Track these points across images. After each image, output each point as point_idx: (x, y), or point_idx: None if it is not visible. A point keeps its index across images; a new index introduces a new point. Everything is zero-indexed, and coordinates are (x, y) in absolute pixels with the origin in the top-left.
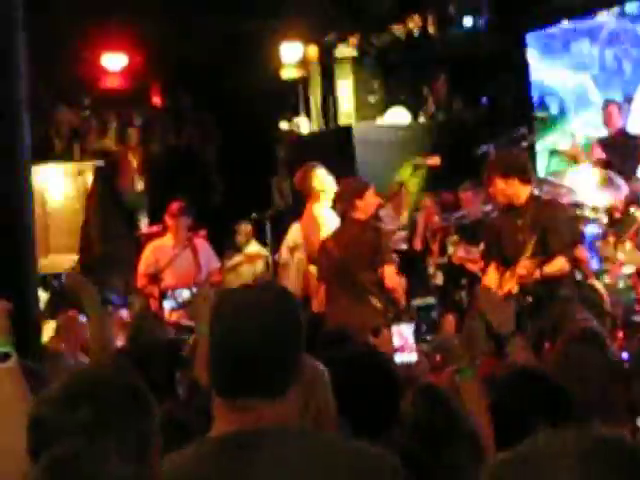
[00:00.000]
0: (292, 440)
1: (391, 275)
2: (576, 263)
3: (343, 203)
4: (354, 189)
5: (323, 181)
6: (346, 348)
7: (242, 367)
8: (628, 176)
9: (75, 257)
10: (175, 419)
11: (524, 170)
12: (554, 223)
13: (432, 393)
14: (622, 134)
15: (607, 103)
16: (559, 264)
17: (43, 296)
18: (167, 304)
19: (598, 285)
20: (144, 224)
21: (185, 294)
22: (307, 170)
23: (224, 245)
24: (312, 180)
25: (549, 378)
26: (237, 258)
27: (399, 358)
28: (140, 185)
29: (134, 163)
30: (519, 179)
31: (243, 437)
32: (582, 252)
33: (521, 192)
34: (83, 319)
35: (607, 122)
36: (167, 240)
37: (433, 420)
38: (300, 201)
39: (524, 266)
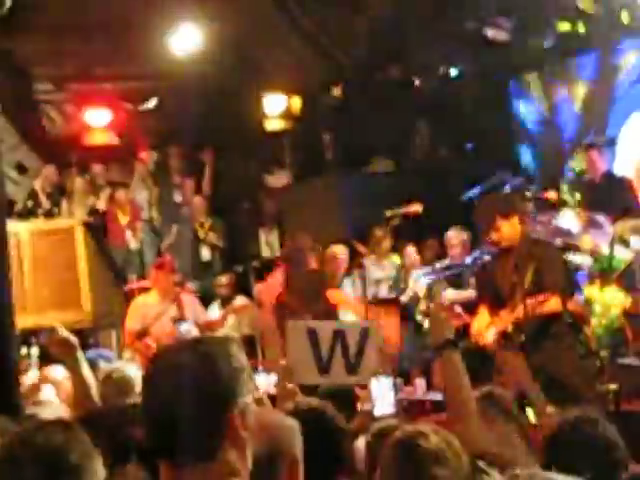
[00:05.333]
0: None
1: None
2: (569, 310)
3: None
4: (309, 246)
5: None
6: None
7: (162, 430)
8: (614, 218)
9: (62, 314)
10: None
11: (520, 209)
12: (547, 263)
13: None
14: (606, 177)
15: (587, 148)
16: (553, 304)
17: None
18: None
19: (585, 329)
20: (133, 280)
21: None
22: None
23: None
24: None
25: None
26: (222, 311)
27: (378, 411)
28: (133, 243)
29: (124, 220)
30: (519, 218)
31: None
32: (576, 304)
33: (518, 232)
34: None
35: (589, 167)
36: (153, 296)
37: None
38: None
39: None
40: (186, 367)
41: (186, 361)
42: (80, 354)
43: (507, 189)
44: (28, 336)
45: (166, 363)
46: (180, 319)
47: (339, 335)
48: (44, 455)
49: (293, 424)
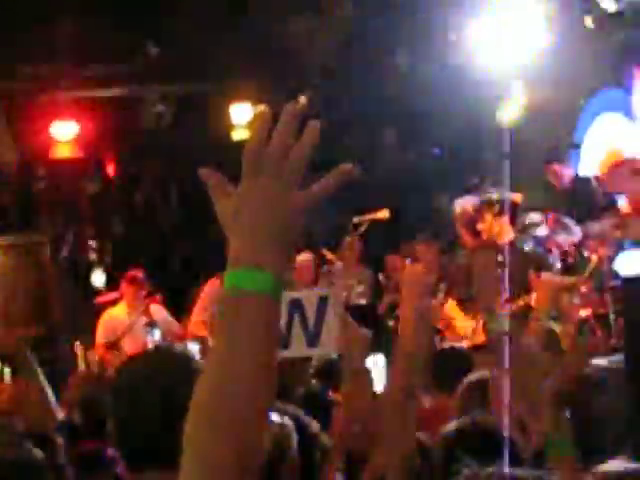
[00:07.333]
0: None
1: None
2: None
3: None
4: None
5: None
6: None
7: (145, 439)
8: (584, 220)
9: (30, 329)
10: None
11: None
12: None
13: None
14: (574, 182)
15: (548, 164)
16: None
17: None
18: None
19: (555, 327)
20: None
21: None
22: None
23: (183, 308)
24: None
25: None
26: None
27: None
28: (92, 256)
29: (89, 234)
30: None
31: None
32: None
33: (506, 231)
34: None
35: (555, 180)
36: (122, 308)
37: None
38: None
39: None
40: (168, 372)
41: (167, 366)
42: (34, 363)
43: (475, 195)
44: None
45: (145, 371)
46: (151, 325)
47: (296, 304)
48: None
49: (290, 423)
